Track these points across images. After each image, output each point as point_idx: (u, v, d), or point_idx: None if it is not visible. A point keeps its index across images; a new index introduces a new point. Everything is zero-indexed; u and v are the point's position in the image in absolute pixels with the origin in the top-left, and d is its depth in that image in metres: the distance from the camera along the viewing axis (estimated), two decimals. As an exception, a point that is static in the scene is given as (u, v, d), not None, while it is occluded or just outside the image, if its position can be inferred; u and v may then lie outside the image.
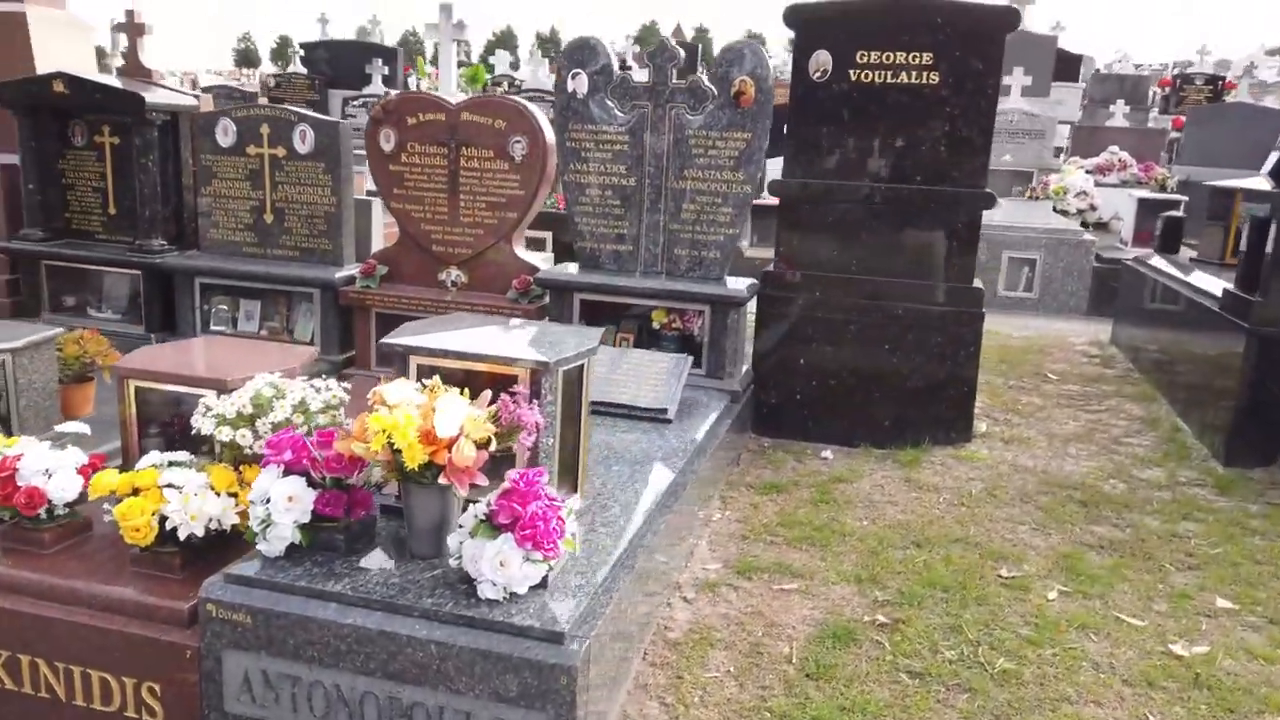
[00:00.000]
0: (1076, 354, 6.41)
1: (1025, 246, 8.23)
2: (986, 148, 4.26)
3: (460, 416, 2.28)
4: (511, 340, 2.70)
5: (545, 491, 2.30)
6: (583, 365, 2.71)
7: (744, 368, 4.66)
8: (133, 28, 5.32)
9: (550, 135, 4.58)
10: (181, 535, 2.50)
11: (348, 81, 13.36)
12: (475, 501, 2.34)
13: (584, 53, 4.46)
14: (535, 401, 2.48)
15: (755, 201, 5.25)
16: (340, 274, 4.88)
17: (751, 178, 4.33)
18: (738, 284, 4.44)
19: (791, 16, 4.39)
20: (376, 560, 2.46)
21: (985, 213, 8.59)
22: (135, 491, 2.60)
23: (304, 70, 14.52)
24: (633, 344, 4.59)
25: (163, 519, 2.53)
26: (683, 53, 4.41)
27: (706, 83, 4.33)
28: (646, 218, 4.50)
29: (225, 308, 5.16)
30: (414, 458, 2.24)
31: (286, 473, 2.44)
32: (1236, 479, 4.06)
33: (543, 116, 4.64)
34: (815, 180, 4.48)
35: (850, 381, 4.55)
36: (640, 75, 4.45)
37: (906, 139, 4.32)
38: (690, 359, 4.07)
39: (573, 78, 4.47)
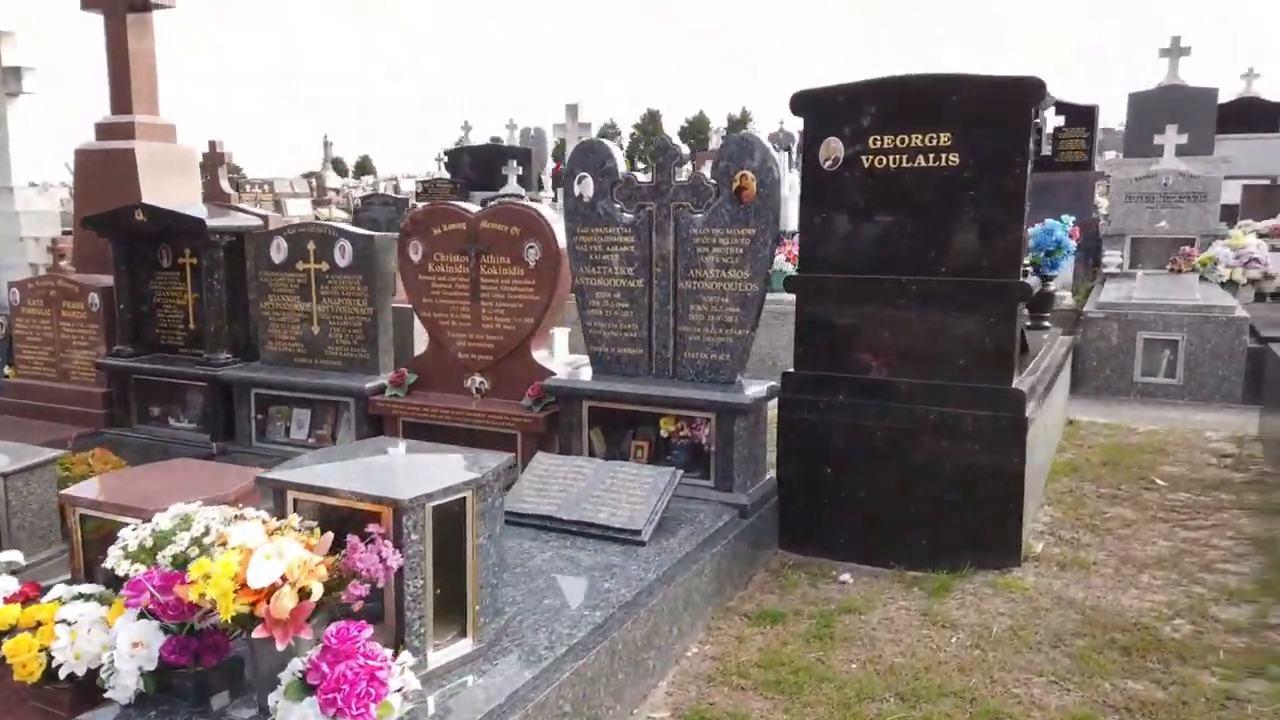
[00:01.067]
0: (1204, 453, 5.56)
1: (1164, 327, 7.34)
2: (1018, 233, 3.79)
3: (283, 564, 2.16)
4: (388, 473, 2.57)
5: (366, 649, 2.13)
6: (465, 498, 2.53)
7: (767, 477, 4.31)
8: (214, 157, 5.80)
9: (563, 240, 4.51)
10: (62, 674, 2.50)
11: (488, 182, 14.02)
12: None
13: (590, 155, 4.38)
14: (391, 542, 2.33)
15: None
16: (370, 383, 4.95)
17: (758, 275, 4.06)
18: (756, 387, 4.15)
19: (799, 103, 4.13)
20: (223, 711, 2.35)
21: (1125, 288, 7.81)
22: (38, 625, 2.64)
23: (447, 175, 15.44)
24: (648, 452, 4.37)
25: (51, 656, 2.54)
26: (685, 150, 4.24)
27: (709, 179, 4.14)
28: (656, 320, 4.31)
29: (279, 418, 5.36)
30: (226, 608, 2.13)
31: (141, 615, 2.39)
32: (1347, 622, 3.30)
33: (557, 222, 4.58)
34: (832, 275, 4.14)
35: (882, 495, 4.10)
36: (645, 176, 4.32)
37: (928, 227, 3.93)
38: (678, 473, 3.80)
39: (579, 181, 4.39)
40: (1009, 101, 3.75)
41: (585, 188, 4.38)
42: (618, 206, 4.32)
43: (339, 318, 5.15)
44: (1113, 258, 10.12)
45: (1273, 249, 9.45)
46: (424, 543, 2.42)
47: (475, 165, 14.94)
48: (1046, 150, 11.83)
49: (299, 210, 26.12)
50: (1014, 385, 3.88)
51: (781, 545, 4.31)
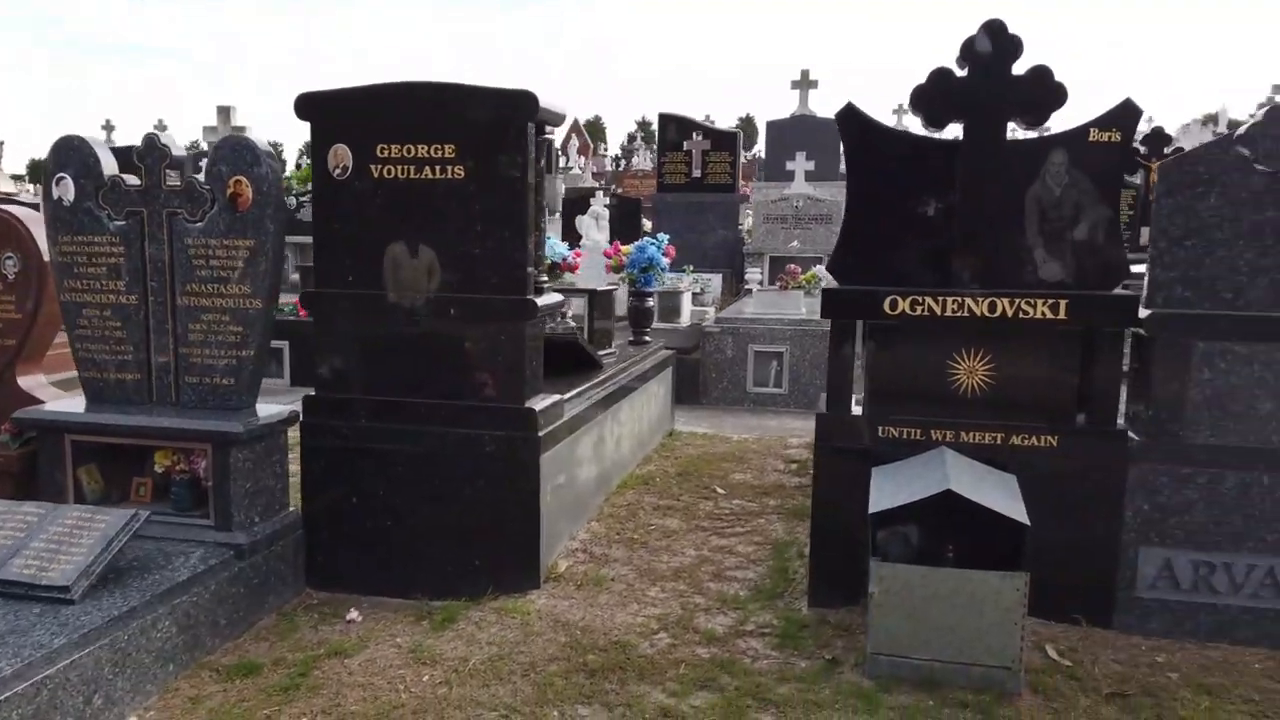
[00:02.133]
0: (778, 459, 5.86)
1: (771, 340, 7.79)
2: (522, 249, 3.70)
3: None
4: None
5: None
6: None
7: (288, 510, 3.95)
8: None
9: (48, 250, 3.91)
10: None
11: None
12: None
13: (68, 154, 3.83)
14: None
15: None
16: None
17: (259, 290, 3.71)
18: (264, 413, 3.78)
19: (304, 107, 3.83)
20: None
21: (742, 305, 8.15)
22: None
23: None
24: (150, 491, 3.89)
25: None
26: (174, 151, 3.81)
27: (202, 184, 3.74)
28: (154, 340, 3.83)
29: None
30: None
31: None
32: (811, 624, 3.45)
33: (42, 229, 3.98)
34: (346, 291, 3.87)
35: (407, 522, 3.87)
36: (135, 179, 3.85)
37: (438, 242, 3.76)
38: (141, 515, 3.33)
39: (57, 183, 3.83)
40: (505, 114, 3.64)
41: (65, 190, 3.83)
42: (105, 212, 3.81)
43: None
44: (753, 275, 10.73)
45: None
46: None
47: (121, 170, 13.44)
48: (697, 173, 12.30)
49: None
50: (527, 405, 3.79)
51: (310, 584, 3.96)
